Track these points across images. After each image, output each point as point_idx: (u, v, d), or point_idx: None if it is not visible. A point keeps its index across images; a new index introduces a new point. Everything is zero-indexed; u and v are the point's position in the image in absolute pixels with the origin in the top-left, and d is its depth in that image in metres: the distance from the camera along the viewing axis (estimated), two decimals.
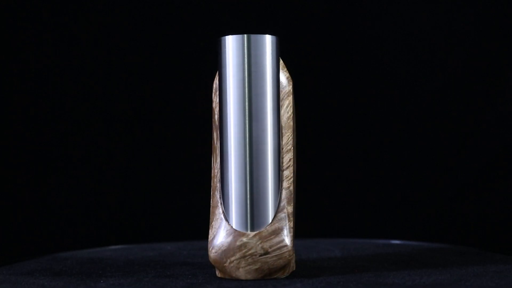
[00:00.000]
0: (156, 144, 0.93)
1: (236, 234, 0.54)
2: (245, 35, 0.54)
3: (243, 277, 0.53)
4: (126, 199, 0.92)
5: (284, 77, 0.56)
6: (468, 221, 0.91)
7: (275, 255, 0.53)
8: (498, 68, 0.91)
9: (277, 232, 0.53)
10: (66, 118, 0.91)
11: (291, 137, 0.55)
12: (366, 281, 0.52)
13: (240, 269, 0.53)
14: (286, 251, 0.53)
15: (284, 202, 0.54)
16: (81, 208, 0.91)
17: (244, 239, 0.53)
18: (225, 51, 0.54)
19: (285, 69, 0.56)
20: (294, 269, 0.56)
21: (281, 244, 0.53)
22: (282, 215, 0.53)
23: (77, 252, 0.70)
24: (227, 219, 0.55)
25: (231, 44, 0.54)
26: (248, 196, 0.54)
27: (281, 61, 0.56)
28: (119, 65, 0.92)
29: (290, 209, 0.53)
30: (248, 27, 0.89)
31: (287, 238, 0.53)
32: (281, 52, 0.56)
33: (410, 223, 0.92)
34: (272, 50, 0.55)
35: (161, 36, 0.92)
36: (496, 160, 0.91)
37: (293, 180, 0.54)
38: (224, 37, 0.54)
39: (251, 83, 0.54)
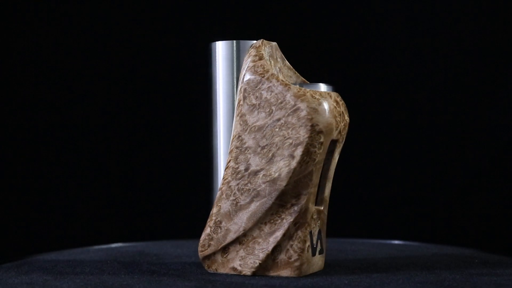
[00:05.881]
0: (156, 144, 0.94)
1: None
2: (234, 40, 0.56)
3: None
4: (126, 199, 0.93)
5: (249, 75, 0.54)
6: (468, 221, 0.92)
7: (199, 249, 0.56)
8: (498, 68, 0.91)
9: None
10: (66, 118, 0.92)
11: (235, 138, 0.54)
12: (366, 281, 0.52)
13: None
14: (198, 247, 0.55)
15: (214, 202, 0.55)
16: (80, 208, 0.93)
17: None
18: (215, 55, 0.56)
19: (253, 65, 0.53)
20: (320, 269, 0.56)
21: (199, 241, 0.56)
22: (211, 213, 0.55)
23: (79, 251, 0.70)
24: None
25: (221, 49, 0.56)
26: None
27: (253, 60, 0.54)
28: (120, 66, 0.93)
29: (214, 209, 0.54)
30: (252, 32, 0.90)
31: (202, 235, 0.55)
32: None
33: (410, 223, 0.92)
34: None
35: (162, 39, 0.93)
36: (496, 160, 0.91)
37: (228, 181, 0.54)
38: (214, 42, 0.56)
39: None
